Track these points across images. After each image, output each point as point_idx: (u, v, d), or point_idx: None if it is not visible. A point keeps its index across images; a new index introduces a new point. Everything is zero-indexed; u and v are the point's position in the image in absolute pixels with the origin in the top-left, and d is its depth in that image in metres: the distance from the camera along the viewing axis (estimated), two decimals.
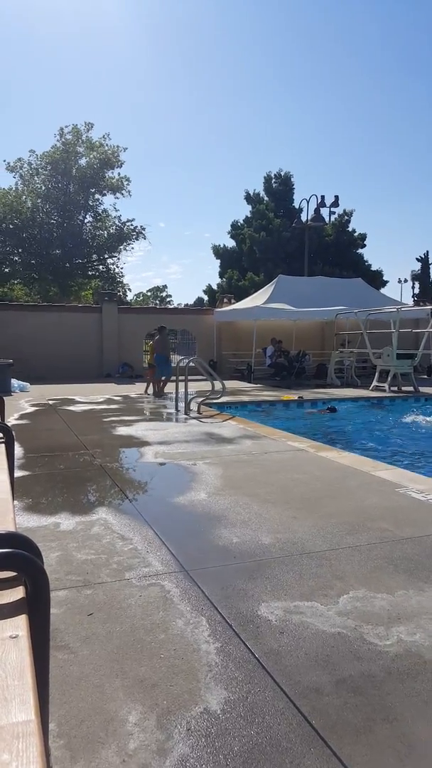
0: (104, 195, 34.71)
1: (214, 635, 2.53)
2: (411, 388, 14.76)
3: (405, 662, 2.31)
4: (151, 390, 14.02)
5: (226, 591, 2.96)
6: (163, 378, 13.37)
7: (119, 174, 34.47)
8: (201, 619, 2.68)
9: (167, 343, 13.30)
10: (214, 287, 36.96)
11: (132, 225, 35.49)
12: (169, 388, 11.63)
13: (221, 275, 37.21)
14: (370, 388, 15.16)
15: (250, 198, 37.66)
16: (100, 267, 36.68)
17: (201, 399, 11.05)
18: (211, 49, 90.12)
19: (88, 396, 12.87)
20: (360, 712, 2.01)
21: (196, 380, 13.20)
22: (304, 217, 27.58)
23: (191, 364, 11.31)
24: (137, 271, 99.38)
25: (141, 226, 35.67)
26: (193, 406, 10.50)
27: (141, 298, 67.79)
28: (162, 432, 8.05)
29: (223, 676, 2.22)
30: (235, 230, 37.45)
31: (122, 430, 8.20)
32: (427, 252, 57.19)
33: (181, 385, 10.80)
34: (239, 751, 1.83)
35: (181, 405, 10.48)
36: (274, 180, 37.61)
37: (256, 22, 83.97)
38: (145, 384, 14.59)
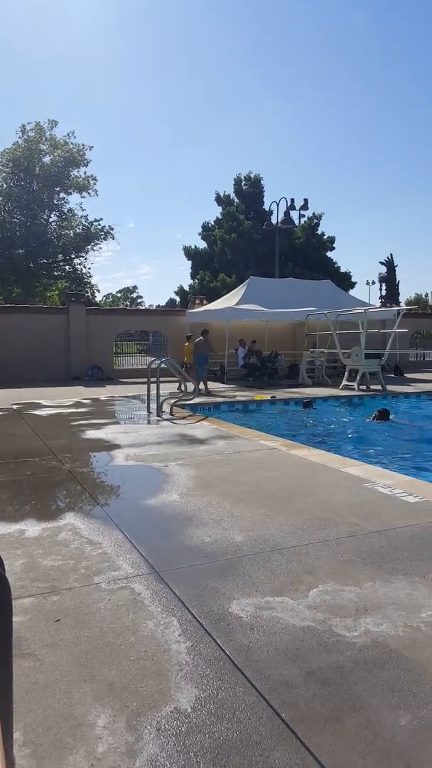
0: (70, 194, 34.38)
1: (185, 635, 2.53)
2: (379, 387, 14.99)
3: (372, 652, 2.34)
4: (191, 387, 14.40)
5: (198, 590, 2.96)
6: (201, 377, 14.41)
7: (85, 173, 34.19)
8: (172, 619, 2.67)
9: (209, 346, 14.91)
10: (186, 288, 36.92)
11: (100, 225, 35.21)
12: (166, 388, 11.64)
13: (193, 276, 37.21)
14: (340, 387, 15.34)
15: (220, 199, 37.77)
16: (67, 267, 36.29)
17: (173, 400, 11.03)
18: (182, 50, 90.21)
19: (56, 399, 12.70)
20: (328, 702, 2.04)
21: (169, 382, 13.19)
22: (274, 220, 27.80)
23: (163, 365, 11.27)
24: (106, 271, 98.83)
25: (109, 226, 35.44)
26: (166, 408, 10.47)
27: (111, 299, 67.35)
28: (133, 434, 8.01)
29: (194, 675, 2.22)
30: (206, 231, 37.50)
31: (92, 434, 8.12)
32: (391, 255, 58.53)
33: (153, 386, 10.77)
34: (209, 747, 1.83)
35: (153, 407, 10.44)
36: (244, 182, 37.81)
37: (228, 23, 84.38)
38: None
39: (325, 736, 1.87)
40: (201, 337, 14.95)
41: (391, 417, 10.68)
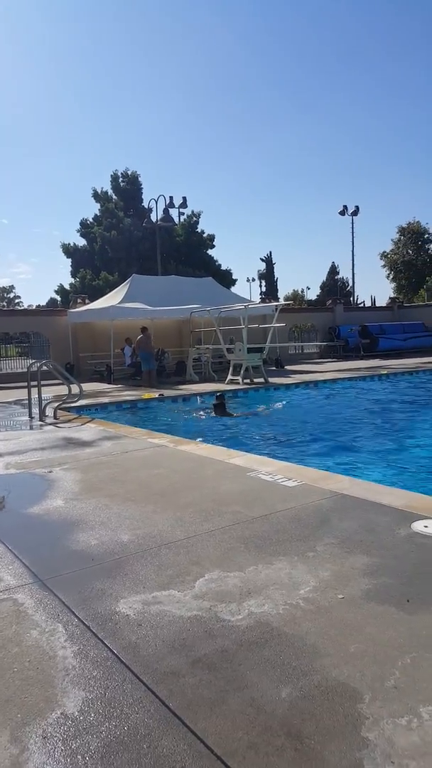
0: None
1: (72, 639, 2.48)
2: (262, 380, 15.59)
3: (255, 633, 2.45)
4: (76, 389, 15.18)
5: (84, 594, 2.91)
6: (149, 370, 16.14)
7: None
8: (57, 626, 2.61)
9: (149, 342, 16.34)
10: (67, 287, 35.80)
11: None
12: (49, 391, 11.23)
13: (74, 275, 36.19)
14: (226, 381, 15.74)
15: (98, 196, 37.03)
16: None
17: (57, 404, 10.67)
18: (53, 44, 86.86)
19: None
20: (214, 686, 2.11)
21: (53, 385, 12.74)
22: (153, 218, 27.78)
23: (44, 367, 10.86)
24: None
25: None
26: (50, 412, 10.11)
27: None
28: (13, 442, 7.64)
29: (81, 678, 2.20)
30: (85, 228, 36.63)
31: None
32: (270, 252, 61.12)
33: (35, 390, 10.35)
34: (97, 747, 1.82)
35: (36, 411, 10.03)
36: (121, 179, 37.39)
37: (97, 14, 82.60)
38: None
39: (212, 718, 1.94)
40: (141, 335, 16.23)
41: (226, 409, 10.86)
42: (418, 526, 3.60)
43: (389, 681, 2.08)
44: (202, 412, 10.89)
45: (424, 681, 2.07)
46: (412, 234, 48.21)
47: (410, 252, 48.32)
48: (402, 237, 48.73)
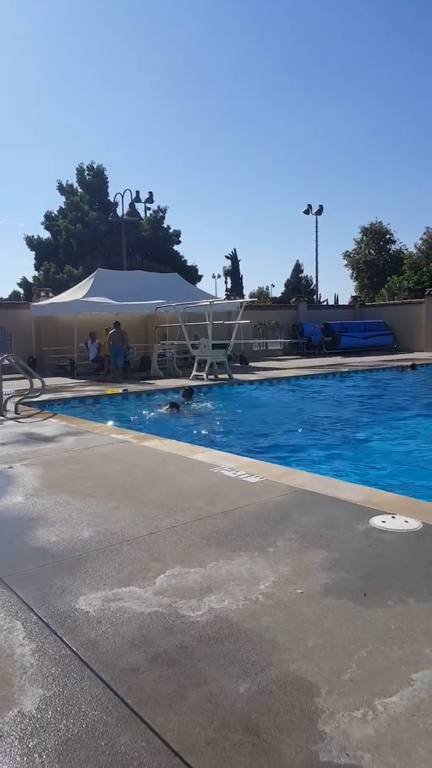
0: None
1: (30, 637, 2.45)
2: (226, 376, 15.64)
3: (214, 628, 2.47)
4: (38, 384, 14.79)
5: (43, 591, 2.88)
6: (117, 366, 16.25)
7: None
8: (15, 623, 2.57)
9: (122, 336, 16.42)
10: (30, 280, 35.10)
11: None
12: (11, 385, 10.99)
13: (37, 267, 35.52)
14: (191, 377, 15.73)
15: (63, 189, 36.42)
16: None
17: (18, 398, 10.47)
18: (21, 27, 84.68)
19: None
20: (173, 682, 2.12)
21: (15, 379, 12.49)
22: (119, 212, 27.48)
23: (5, 361, 10.63)
24: None
25: None
26: (11, 407, 9.91)
27: None
28: None
29: (39, 676, 2.17)
30: (50, 221, 35.99)
31: None
32: (235, 249, 61.39)
33: None
34: (54, 745, 1.80)
35: None
36: (87, 172, 36.85)
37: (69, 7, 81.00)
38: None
39: (170, 715, 1.94)
40: (114, 330, 16.25)
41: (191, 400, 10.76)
42: (376, 521, 3.69)
43: (345, 674, 2.13)
44: (165, 408, 10.87)
45: (379, 674, 2.13)
46: (374, 234, 49.03)
47: (372, 252, 49.15)
48: (364, 237, 49.51)
